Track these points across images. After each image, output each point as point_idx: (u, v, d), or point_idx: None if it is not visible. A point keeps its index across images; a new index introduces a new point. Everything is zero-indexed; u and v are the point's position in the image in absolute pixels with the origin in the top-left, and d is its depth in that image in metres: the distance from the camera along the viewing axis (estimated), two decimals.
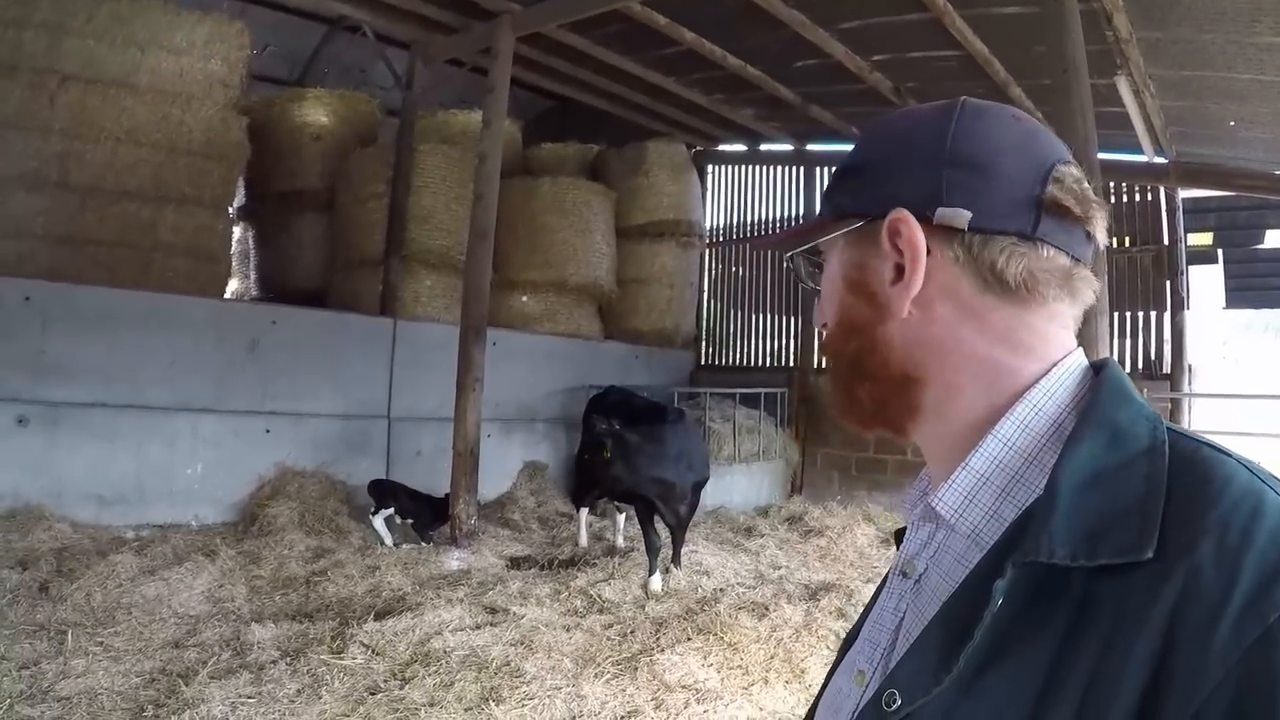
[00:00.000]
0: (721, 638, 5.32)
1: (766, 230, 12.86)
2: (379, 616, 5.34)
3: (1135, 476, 0.72)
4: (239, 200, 10.24)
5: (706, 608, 5.98)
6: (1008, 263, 0.82)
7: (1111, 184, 10.01)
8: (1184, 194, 10.18)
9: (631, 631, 5.49)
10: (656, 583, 6.45)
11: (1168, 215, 10.09)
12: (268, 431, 8.14)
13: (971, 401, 0.84)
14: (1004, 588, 0.70)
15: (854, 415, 0.94)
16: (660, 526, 6.95)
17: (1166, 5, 6.42)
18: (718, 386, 10.75)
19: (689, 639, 5.32)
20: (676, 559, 6.93)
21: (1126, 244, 10.10)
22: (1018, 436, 0.81)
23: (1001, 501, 0.80)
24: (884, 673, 0.84)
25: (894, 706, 0.75)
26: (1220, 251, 17.70)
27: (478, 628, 5.31)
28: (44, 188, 7.53)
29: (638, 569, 6.82)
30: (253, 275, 11.07)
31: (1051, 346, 0.85)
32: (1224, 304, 16.61)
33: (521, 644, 5.05)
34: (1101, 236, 0.87)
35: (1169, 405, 9.42)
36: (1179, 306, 9.88)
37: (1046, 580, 0.69)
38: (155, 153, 7.99)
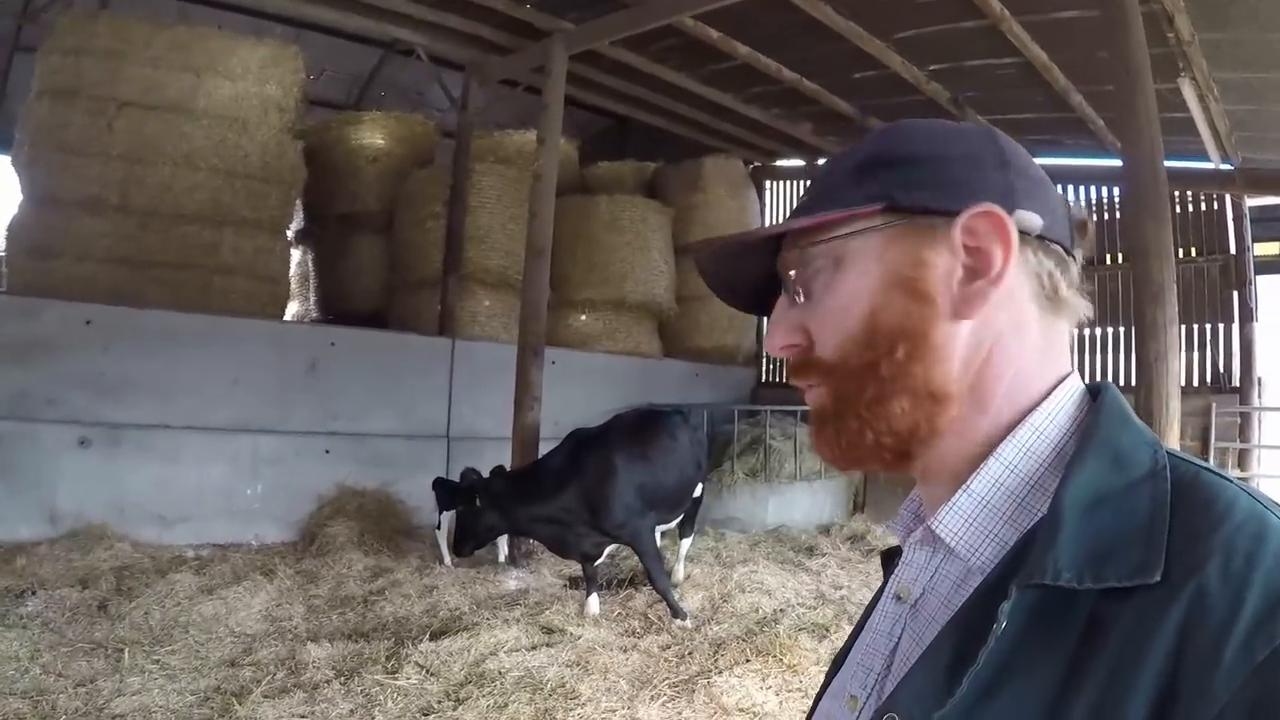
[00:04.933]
0: (781, 659, 5.15)
1: None
2: (434, 636, 5.26)
3: (1139, 499, 0.71)
4: (298, 223, 10.36)
5: (766, 629, 5.80)
6: (1062, 274, 0.83)
7: (1175, 193, 9.71)
8: (1250, 202, 9.81)
9: (690, 653, 5.35)
10: (594, 605, 6.22)
11: (1235, 223, 9.76)
12: (328, 451, 8.16)
13: (995, 418, 0.81)
14: (1009, 610, 0.68)
15: (863, 447, 0.83)
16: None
17: (1227, 4, 6.23)
18: (779, 404, 10.57)
19: (747, 661, 5.16)
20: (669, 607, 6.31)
21: (1193, 254, 9.80)
22: (1019, 460, 0.79)
23: (1003, 526, 0.78)
24: (879, 698, 0.82)
25: None
26: None
27: (533, 648, 5.21)
28: (104, 211, 7.66)
29: (696, 590, 6.68)
30: (313, 297, 11.18)
31: (1062, 362, 0.84)
32: None
33: (577, 665, 4.94)
34: (1080, 260, 0.87)
35: (1238, 419, 9.09)
36: (1247, 318, 9.54)
37: (1051, 603, 0.68)
38: (213, 176, 8.10)
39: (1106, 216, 10.37)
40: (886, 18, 7.55)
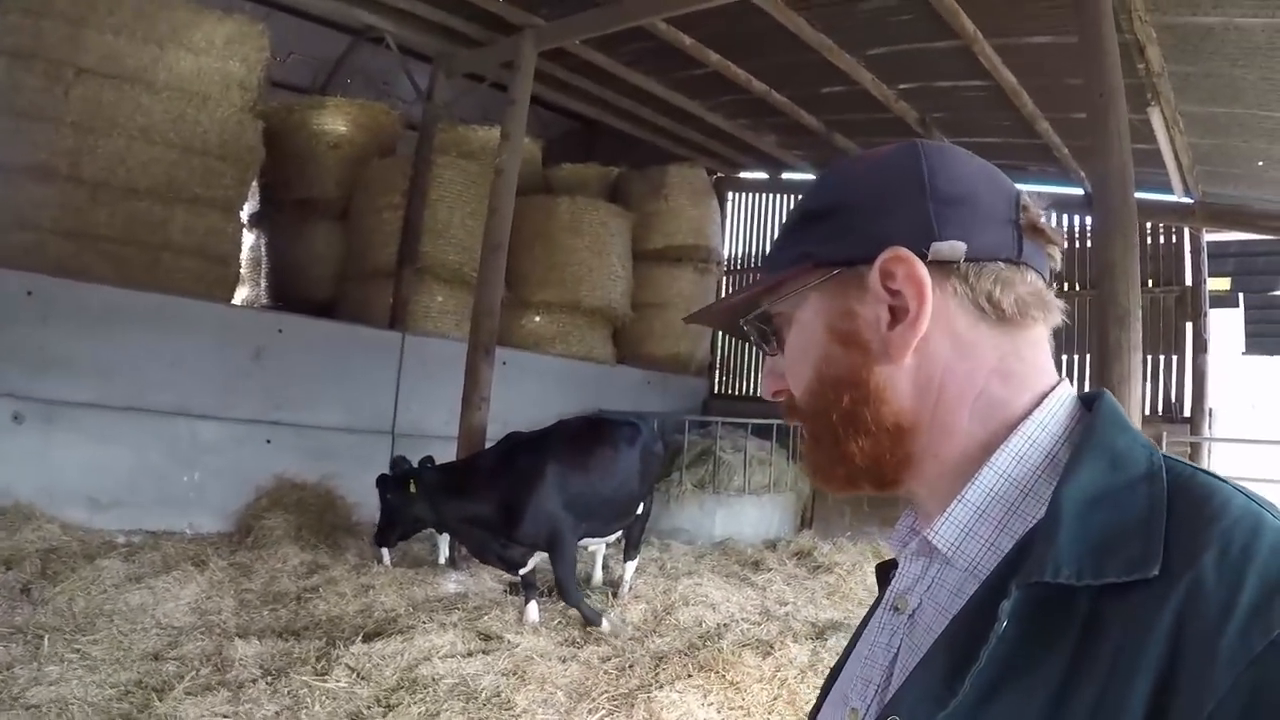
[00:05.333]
0: (724, 676, 5.07)
1: None
2: (367, 638, 5.13)
3: (1137, 497, 0.71)
4: (253, 206, 10.15)
5: (709, 643, 5.74)
6: (1003, 290, 0.82)
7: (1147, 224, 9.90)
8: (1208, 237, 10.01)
9: (630, 666, 5.25)
10: (533, 612, 6.11)
11: (1192, 256, 9.92)
12: (269, 441, 7.99)
13: (967, 438, 0.82)
14: (1010, 608, 0.68)
15: (840, 478, 0.89)
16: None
17: (1199, 38, 6.30)
18: (730, 416, 10.53)
19: (689, 676, 5.07)
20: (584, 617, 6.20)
21: (1150, 284, 9.92)
22: (1013, 468, 0.80)
23: (998, 534, 0.79)
24: (879, 708, 0.81)
25: None
26: (1241, 296, 17.52)
27: (469, 655, 5.09)
28: (53, 180, 7.39)
29: (638, 602, 6.60)
30: (263, 283, 10.92)
31: (1040, 376, 0.84)
32: (1244, 349, 16.41)
33: (514, 674, 4.83)
34: (1058, 258, 0.88)
35: (1189, 449, 9.21)
36: (1201, 349, 9.69)
37: (1051, 601, 0.68)
38: (168, 151, 7.87)
39: (1073, 244, 10.49)
40: (859, 33, 7.55)
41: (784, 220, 0.98)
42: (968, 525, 0.80)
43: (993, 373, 0.82)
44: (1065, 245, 0.89)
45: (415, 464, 6.61)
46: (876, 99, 8.59)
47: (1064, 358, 10.16)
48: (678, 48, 8.10)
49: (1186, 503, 0.70)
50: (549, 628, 5.92)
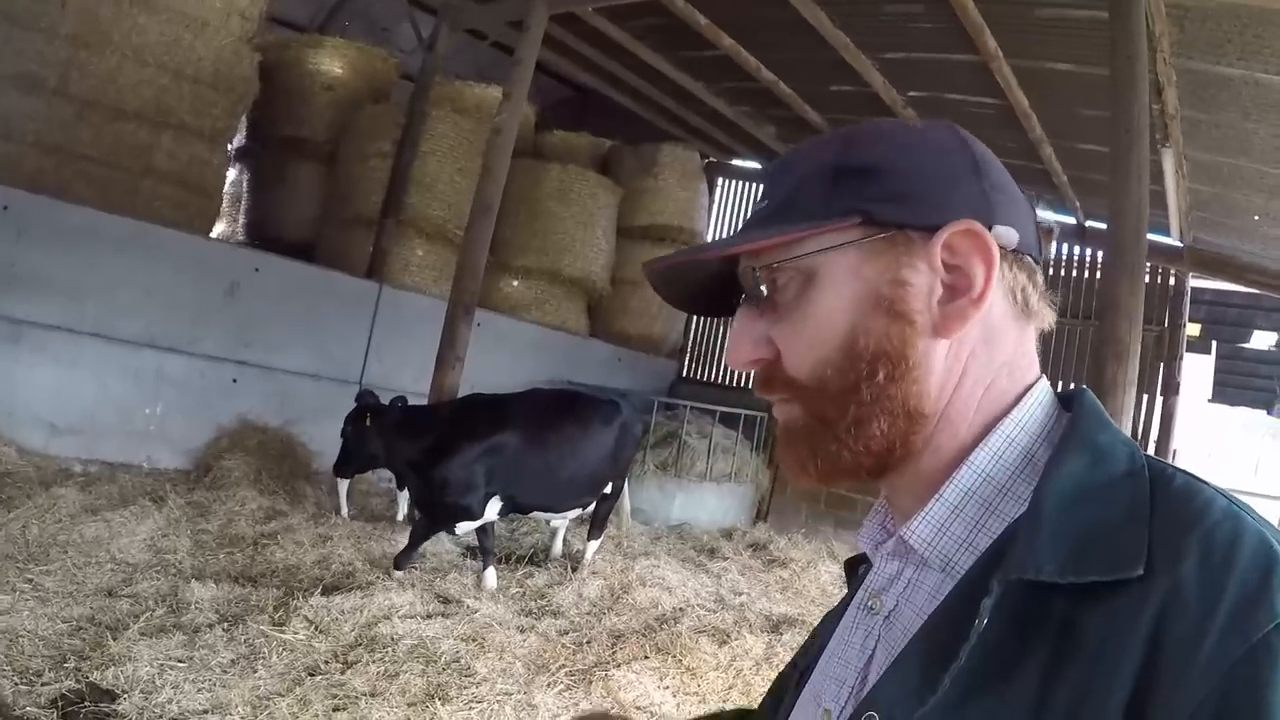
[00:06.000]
0: (680, 660, 5.09)
1: None
2: (326, 591, 5.07)
3: (1119, 495, 0.70)
4: (239, 141, 9.92)
5: (665, 626, 5.76)
6: (1031, 288, 0.82)
7: None
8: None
9: (588, 641, 5.25)
10: (490, 579, 6.07)
11: (1173, 300, 10.01)
12: (235, 381, 7.86)
13: (965, 432, 0.80)
14: (990, 605, 0.67)
15: (840, 468, 0.82)
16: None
17: (1218, 87, 6.32)
18: (697, 400, 10.51)
19: (646, 657, 5.09)
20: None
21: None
22: (991, 467, 0.78)
23: (975, 533, 0.77)
24: (854, 709, 0.78)
25: None
26: (1214, 344, 17.81)
27: (429, 617, 5.04)
28: (40, 93, 7.14)
29: (595, 578, 6.56)
30: (241, 219, 10.73)
31: (1031, 370, 0.84)
32: (1210, 396, 16.71)
33: (473, 640, 4.79)
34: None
35: None
36: (1173, 391, 9.80)
37: (1031, 598, 0.67)
38: (160, 74, 7.63)
39: (1067, 273, 10.56)
40: (879, 35, 7.48)
41: (793, 166, 0.86)
42: (943, 523, 0.78)
43: (1005, 365, 0.81)
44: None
45: (386, 403, 6.56)
46: (884, 103, 8.53)
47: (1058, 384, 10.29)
48: (692, 26, 7.98)
49: (1168, 503, 0.69)
50: (506, 596, 5.89)
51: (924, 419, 0.79)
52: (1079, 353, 9.91)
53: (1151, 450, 9.67)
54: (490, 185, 7.49)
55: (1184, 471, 0.74)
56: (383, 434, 6.33)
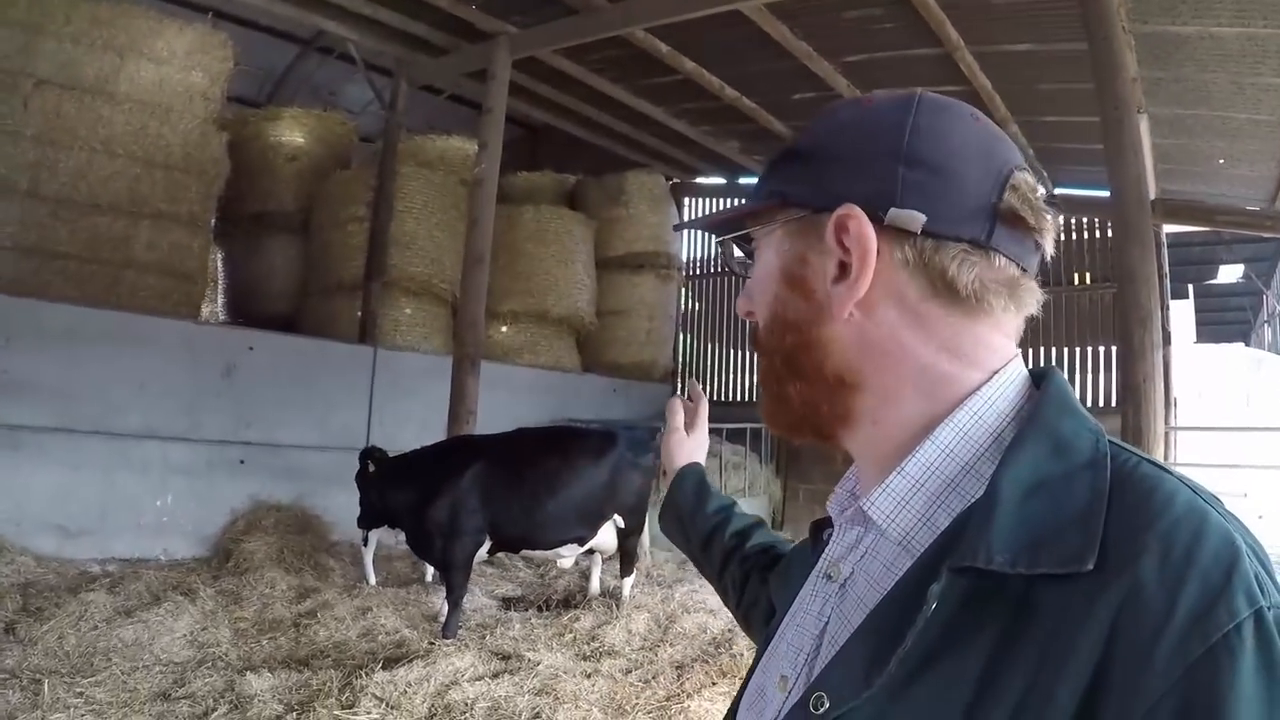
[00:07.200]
0: None
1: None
2: (387, 665, 4.93)
3: (1078, 487, 0.70)
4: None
5: (722, 649, 5.70)
6: (959, 271, 0.79)
7: (1097, 220, 10.29)
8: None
9: (654, 677, 5.15)
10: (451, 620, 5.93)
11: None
12: (242, 462, 7.74)
13: (910, 409, 0.81)
14: (939, 591, 0.68)
15: (782, 420, 0.89)
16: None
17: (1173, 45, 6.47)
18: None
19: (714, 684, 5.03)
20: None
21: (1106, 280, 10.19)
22: (956, 444, 0.78)
23: (935, 509, 0.77)
24: (808, 678, 0.81)
25: (822, 710, 0.73)
26: (1191, 287, 17.99)
27: (495, 676, 4.93)
28: (12, 196, 7.05)
29: (640, 611, 6.46)
30: (220, 298, 10.62)
31: (994, 355, 0.81)
32: (1194, 339, 16.88)
33: (545, 693, 4.69)
34: (1049, 247, 0.84)
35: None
36: (1164, 341, 9.89)
37: (982, 586, 0.67)
38: (131, 164, 7.56)
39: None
40: (839, 40, 7.57)
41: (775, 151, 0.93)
42: (904, 497, 0.79)
43: (942, 349, 0.80)
44: (1056, 236, 0.85)
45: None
46: None
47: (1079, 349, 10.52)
48: (653, 55, 8.01)
49: (1129, 496, 0.68)
50: (559, 644, 5.78)
51: (848, 390, 0.82)
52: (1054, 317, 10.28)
53: (1159, 404, 9.78)
54: (479, 237, 7.46)
55: (1150, 460, 0.73)
56: (375, 483, 6.30)
